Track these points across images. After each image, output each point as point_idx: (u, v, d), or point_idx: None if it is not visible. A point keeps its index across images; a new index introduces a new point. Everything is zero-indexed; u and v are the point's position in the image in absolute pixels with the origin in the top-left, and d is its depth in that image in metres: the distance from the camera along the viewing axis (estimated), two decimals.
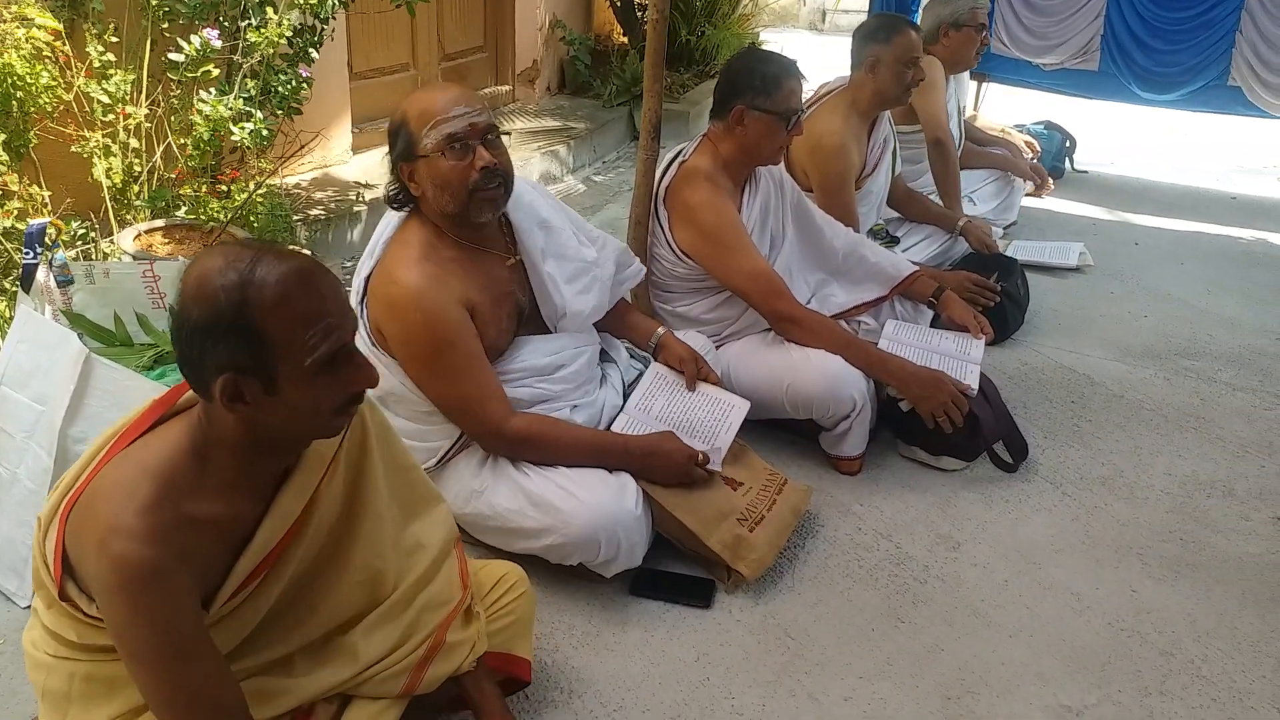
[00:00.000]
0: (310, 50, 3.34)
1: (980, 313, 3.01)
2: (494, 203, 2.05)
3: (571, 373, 2.25)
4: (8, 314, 2.63)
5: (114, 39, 2.99)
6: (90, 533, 1.24)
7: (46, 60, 2.80)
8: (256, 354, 1.23)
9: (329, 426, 1.36)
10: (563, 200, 2.70)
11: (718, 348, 2.75)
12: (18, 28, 2.70)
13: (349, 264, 3.82)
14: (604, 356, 2.46)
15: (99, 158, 2.98)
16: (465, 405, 2.07)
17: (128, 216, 3.13)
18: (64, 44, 2.87)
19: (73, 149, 2.96)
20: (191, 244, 3.02)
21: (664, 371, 2.50)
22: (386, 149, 2.05)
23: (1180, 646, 2.07)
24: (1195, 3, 5.20)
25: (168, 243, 3.03)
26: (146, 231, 3.04)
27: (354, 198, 4.03)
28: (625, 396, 2.40)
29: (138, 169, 3.14)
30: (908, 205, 3.84)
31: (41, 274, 2.36)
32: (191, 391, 1.36)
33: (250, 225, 3.19)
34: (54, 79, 2.81)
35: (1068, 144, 5.40)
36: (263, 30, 3.08)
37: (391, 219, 2.16)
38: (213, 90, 3.10)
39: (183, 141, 3.19)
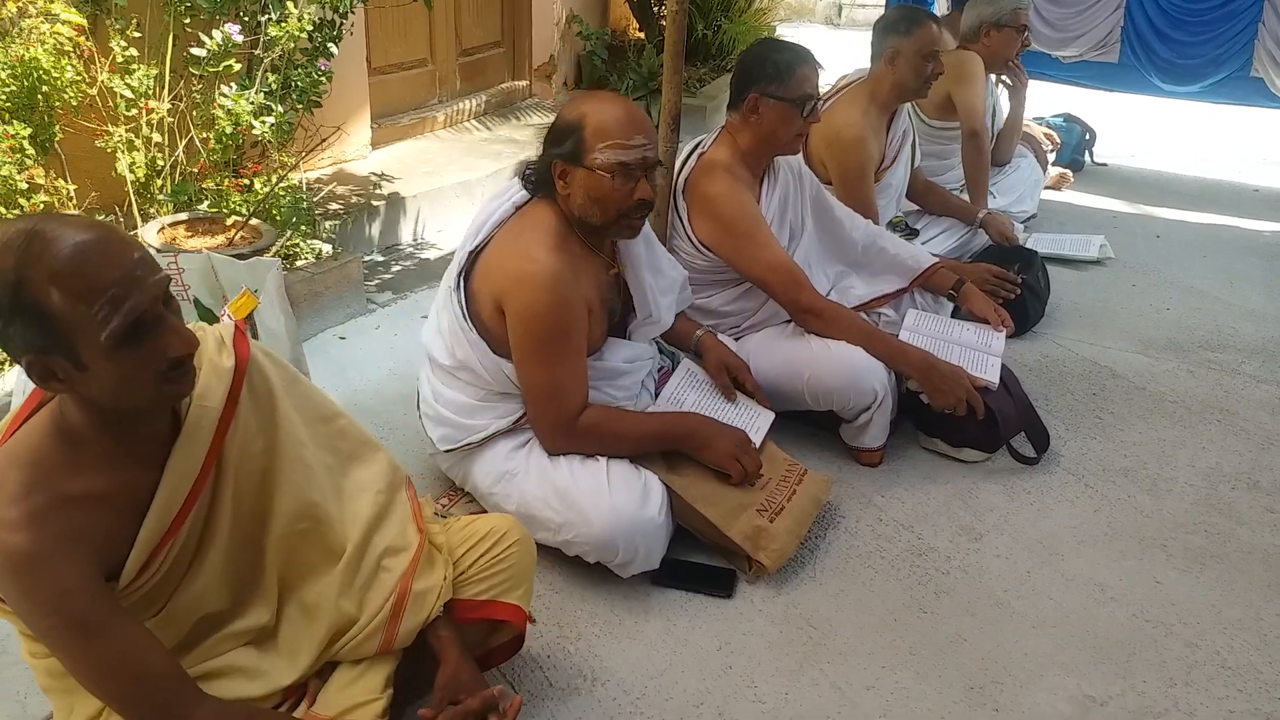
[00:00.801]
0: (330, 45, 3.35)
1: (1000, 305, 3.00)
2: (634, 230, 2.13)
3: (632, 381, 2.31)
4: None
5: (137, 34, 3.01)
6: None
7: (71, 55, 2.82)
8: (49, 334, 1.19)
9: (160, 396, 1.29)
10: None
11: (737, 339, 2.75)
12: (43, 22, 2.72)
13: (368, 257, 3.84)
14: None
15: (123, 152, 3.01)
16: (554, 392, 2.09)
17: (151, 210, 3.16)
18: (88, 39, 2.90)
19: (97, 143, 2.99)
20: (214, 237, 3.04)
21: (695, 367, 2.52)
22: (547, 137, 2.07)
23: (1205, 637, 2.06)
24: None
25: (191, 235, 3.05)
26: (170, 225, 3.06)
27: (373, 191, 4.05)
28: (655, 391, 2.42)
29: (160, 163, 3.16)
30: (927, 198, 3.83)
31: None
32: None
33: (272, 219, 3.21)
34: (79, 74, 2.84)
35: (1087, 137, 5.36)
36: (283, 25, 3.09)
37: (504, 201, 2.20)
38: (234, 85, 3.12)
39: (205, 135, 3.21)
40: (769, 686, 1.91)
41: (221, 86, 3.12)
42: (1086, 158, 5.39)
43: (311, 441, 1.56)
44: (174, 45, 3.12)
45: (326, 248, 3.38)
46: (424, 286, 3.64)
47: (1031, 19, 5.63)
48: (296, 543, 1.53)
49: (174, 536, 1.37)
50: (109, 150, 3.00)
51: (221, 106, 3.07)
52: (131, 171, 3.04)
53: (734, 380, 2.49)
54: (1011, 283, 3.19)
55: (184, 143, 3.21)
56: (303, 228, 3.28)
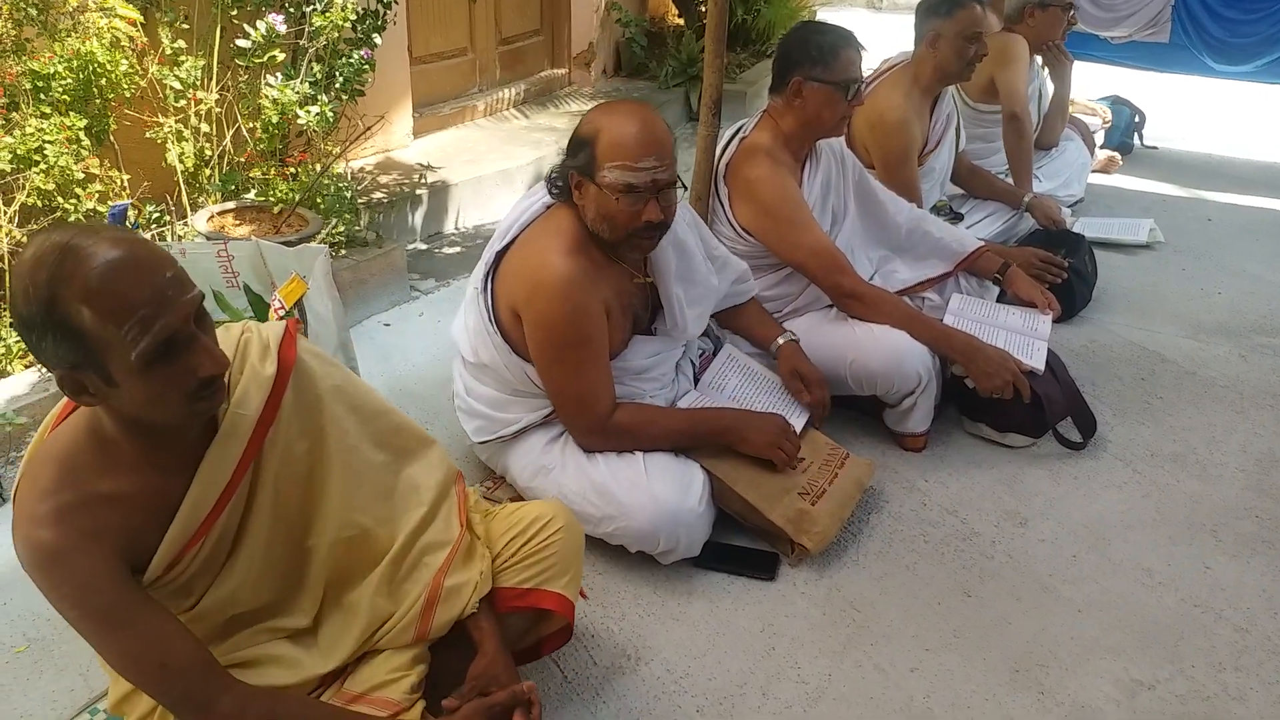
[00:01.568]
0: (373, 35, 3.39)
1: (1047, 290, 2.96)
2: (644, 250, 2.09)
3: (661, 373, 2.30)
4: None
5: (185, 26, 3.07)
6: (12, 522, 1.31)
7: (125, 48, 2.88)
8: (81, 351, 1.20)
9: (188, 413, 1.30)
10: None
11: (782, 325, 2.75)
12: (100, 17, 2.78)
13: (411, 245, 3.88)
14: None
15: (172, 142, 3.07)
16: (580, 396, 2.09)
17: (199, 199, 3.22)
18: (141, 33, 2.96)
19: (147, 134, 3.05)
20: (262, 224, 3.10)
21: (737, 354, 2.52)
22: (569, 145, 2.04)
23: (1256, 622, 2.03)
24: None
25: (239, 224, 3.11)
26: (219, 213, 3.12)
27: (416, 180, 4.09)
28: (695, 375, 2.43)
29: (209, 153, 3.22)
30: (972, 181, 3.78)
31: None
32: None
33: (317, 207, 3.26)
34: (132, 66, 2.90)
35: (1136, 119, 5.25)
36: (327, 15, 3.13)
37: (533, 202, 2.19)
38: (279, 75, 3.17)
39: (251, 125, 3.26)
40: (812, 668, 1.91)
41: (267, 77, 3.17)
42: (1136, 140, 5.28)
43: (364, 440, 1.56)
44: (221, 37, 3.17)
45: (371, 235, 3.42)
46: (465, 274, 3.67)
47: (1080, 0, 5.54)
48: (344, 550, 1.55)
49: (203, 538, 1.40)
50: (159, 141, 3.06)
51: (267, 97, 3.12)
52: (181, 161, 3.10)
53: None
54: (1058, 267, 3.15)
55: (231, 133, 3.27)
56: (347, 216, 3.33)
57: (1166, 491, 2.46)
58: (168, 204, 3.14)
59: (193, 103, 3.10)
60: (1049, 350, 2.66)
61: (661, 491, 2.05)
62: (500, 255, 2.16)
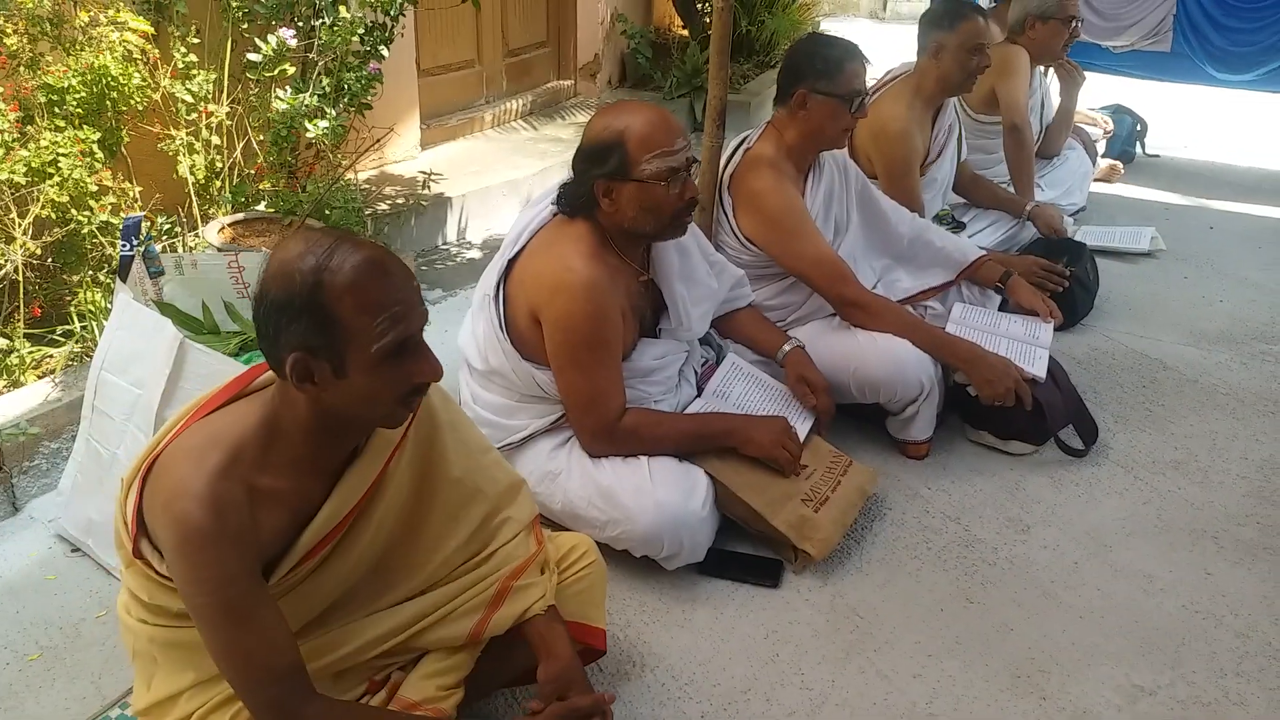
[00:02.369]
0: (381, 48, 3.43)
1: (1048, 298, 2.99)
2: (685, 228, 2.17)
3: (666, 376, 2.33)
4: (104, 304, 2.77)
5: (196, 40, 3.11)
6: (161, 493, 1.33)
7: (137, 61, 2.93)
8: (327, 336, 1.29)
9: (392, 415, 1.41)
10: None
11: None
12: (112, 31, 2.83)
13: (418, 256, 3.92)
14: None
15: (184, 154, 3.11)
16: (593, 397, 2.12)
17: (211, 211, 3.26)
18: (153, 46, 3.00)
19: (159, 146, 3.09)
20: (272, 236, 3.14)
21: (740, 362, 2.55)
22: (582, 158, 2.10)
23: (1256, 628, 2.05)
24: None
25: (249, 235, 3.14)
26: (230, 225, 3.16)
27: (422, 190, 4.13)
28: (699, 385, 2.46)
29: (219, 165, 3.26)
30: (974, 191, 3.81)
31: (136, 265, 2.48)
32: (268, 373, 1.44)
33: (326, 218, 3.30)
34: (144, 79, 2.94)
35: (1138, 128, 5.28)
36: (335, 29, 3.17)
37: (541, 210, 2.24)
38: (289, 88, 3.21)
39: (261, 138, 3.31)
40: (815, 674, 1.94)
41: (277, 90, 3.21)
42: (1138, 149, 5.31)
43: (466, 476, 1.62)
44: (231, 50, 3.21)
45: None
46: (472, 284, 3.70)
47: (1081, 9, 5.56)
48: (426, 575, 1.59)
49: (329, 544, 1.45)
50: (170, 153, 3.10)
51: (276, 109, 3.17)
52: (192, 173, 3.14)
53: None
54: (1060, 275, 3.17)
55: (241, 145, 3.31)
56: (356, 226, 3.37)
57: (1168, 498, 2.48)
58: (179, 216, 3.18)
59: (204, 115, 3.14)
60: (1050, 358, 2.68)
61: (665, 495, 2.07)
62: (511, 262, 2.20)
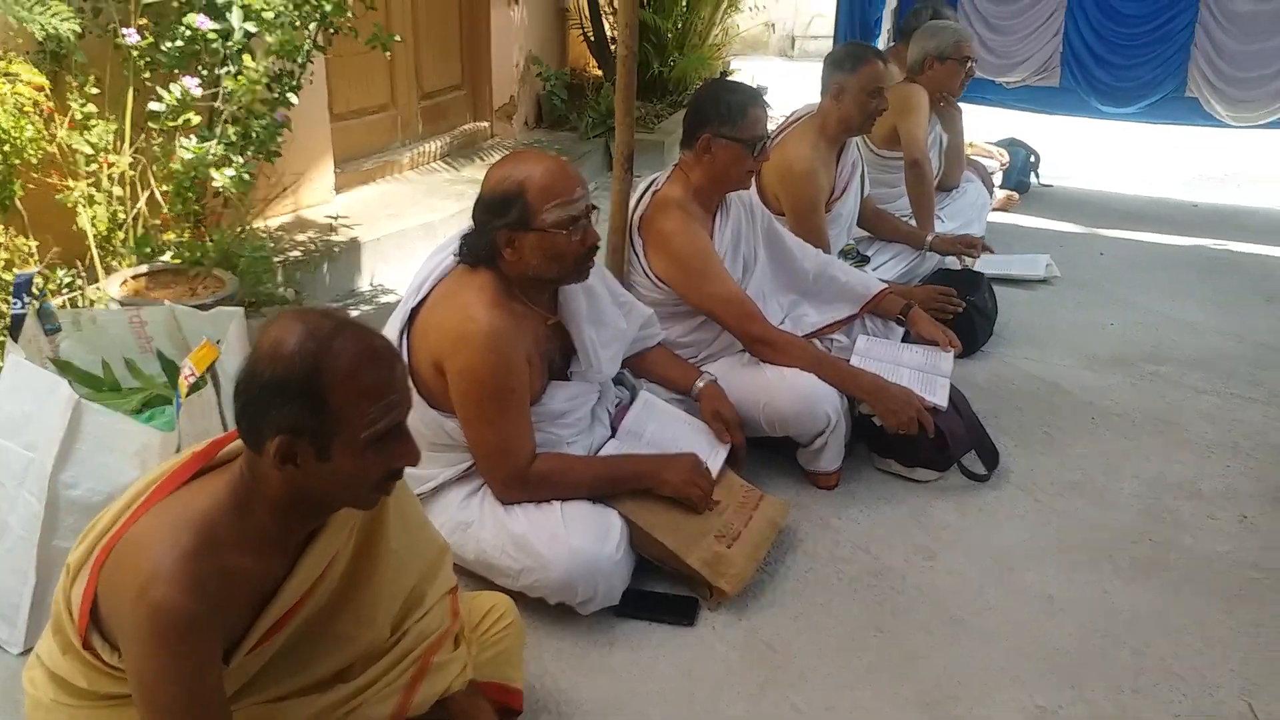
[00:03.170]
0: (289, 95, 3.41)
1: (949, 326, 3.11)
2: (588, 272, 2.20)
3: (578, 418, 2.35)
4: None
5: (95, 90, 3.06)
6: (128, 580, 1.27)
7: (31, 113, 2.86)
8: (318, 420, 1.29)
9: (366, 498, 1.42)
10: None
11: None
12: (3, 84, 2.76)
13: (332, 303, 3.88)
14: None
15: (84, 206, 3.04)
16: (502, 447, 2.13)
17: (114, 263, 3.19)
18: (48, 97, 2.94)
19: (58, 198, 3.02)
20: (177, 288, 3.08)
21: (653, 399, 2.59)
22: (483, 209, 2.12)
23: (1151, 645, 2.14)
24: (1150, 18, 5.38)
25: (154, 288, 3.08)
26: (133, 277, 3.09)
27: (335, 236, 4.10)
28: (613, 425, 2.48)
29: (122, 216, 3.19)
30: (877, 224, 3.94)
31: (29, 323, 2.41)
32: (231, 445, 1.42)
33: (235, 268, 3.25)
34: (39, 131, 2.88)
35: (1032, 159, 5.53)
36: (240, 78, 3.15)
37: (444, 258, 2.24)
38: (194, 137, 3.17)
39: (165, 188, 3.25)
40: (732, 711, 1.96)
41: (181, 139, 3.17)
42: (1032, 179, 5.55)
43: (403, 549, 1.61)
44: (134, 99, 3.16)
45: (290, 294, 3.42)
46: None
47: (975, 47, 5.82)
48: (353, 644, 1.56)
49: (287, 623, 1.42)
50: (69, 205, 3.03)
51: (181, 159, 3.12)
52: (93, 225, 3.07)
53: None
54: (955, 300, 3.29)
55: (145, 196, 3.25)
56: (265, 276, 3.32)
57: (1066, 519, 2.58)
58: (80, 269, 3.10)
59: (104, 166, 3.08)
60: (951, 386, 2.79)
61: (579, 541, 2.09)
62: (414, 311, 2.20)
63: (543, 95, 6.33)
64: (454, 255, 2.23)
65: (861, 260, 3.79)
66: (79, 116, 2.99)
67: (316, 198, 4.45)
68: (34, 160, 2.89)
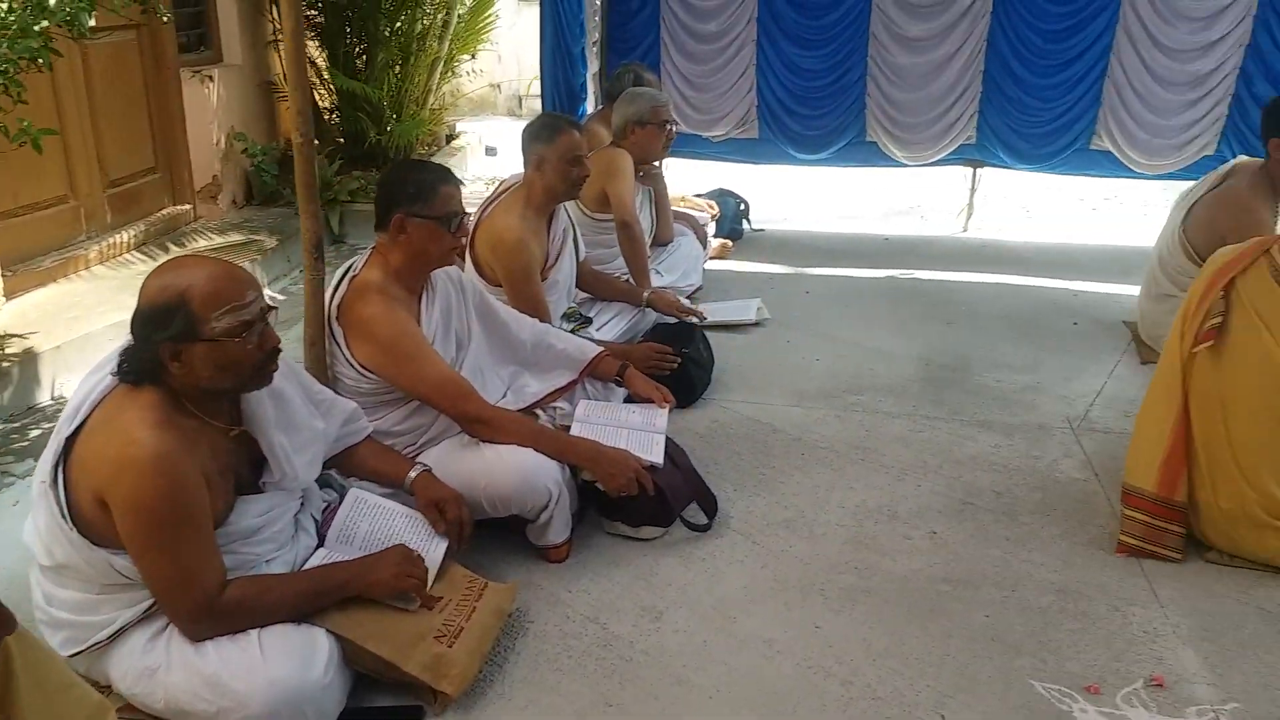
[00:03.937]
0: None
1: (667, 379, 3.22)
2: (271, 376, 2.10)
3: (276, 531, 2.19)
4: None
5: None
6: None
7: None
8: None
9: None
10: None
11: (415, 458, 2.73)
12: None
13: (12, 424, 3.46)
14: None
15: None
16: (183, 579, 1.94)
17: None
18: None
19: None
20: None
21: (363, 495, 2.47)
22: (141, 323, 1.96)
23: (858, 673, 2.27)
24: (827, 73, 5.92)
25: None
26: None
27: (9, 350, 3.67)
28: (320, 533, 2.35)
29: None
30: (596, 286, 4.03)
31: None
32: None
33: None
34: None
35: (742, 207, 5.89)
36: None
37: (102, 378, 2.02)
38: None
39: None
40: None
41: None
42: (745, 226, 5.91)
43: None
44: None
45: None
46: None
47: (680, 104, 6.16)
48: None
49: None
50: None
51: None
52: None
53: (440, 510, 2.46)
54: (670, 357, 3.42)
55: None
56: None
57: (781, 558, 2.71)
58: None
59: None
60: (669, 440, 2.87)
61: (279, 671, 1.93)
62: (70, 440, 1.98)
63: (251, 171, 6.04)
64: (113, 374, 2.03)
65: (584, 322, 3.86)
66: None
67: None
68: None
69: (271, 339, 2.04)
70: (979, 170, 6.06)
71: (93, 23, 3.49)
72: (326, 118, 6.81)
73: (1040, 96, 5.62)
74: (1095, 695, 2.18)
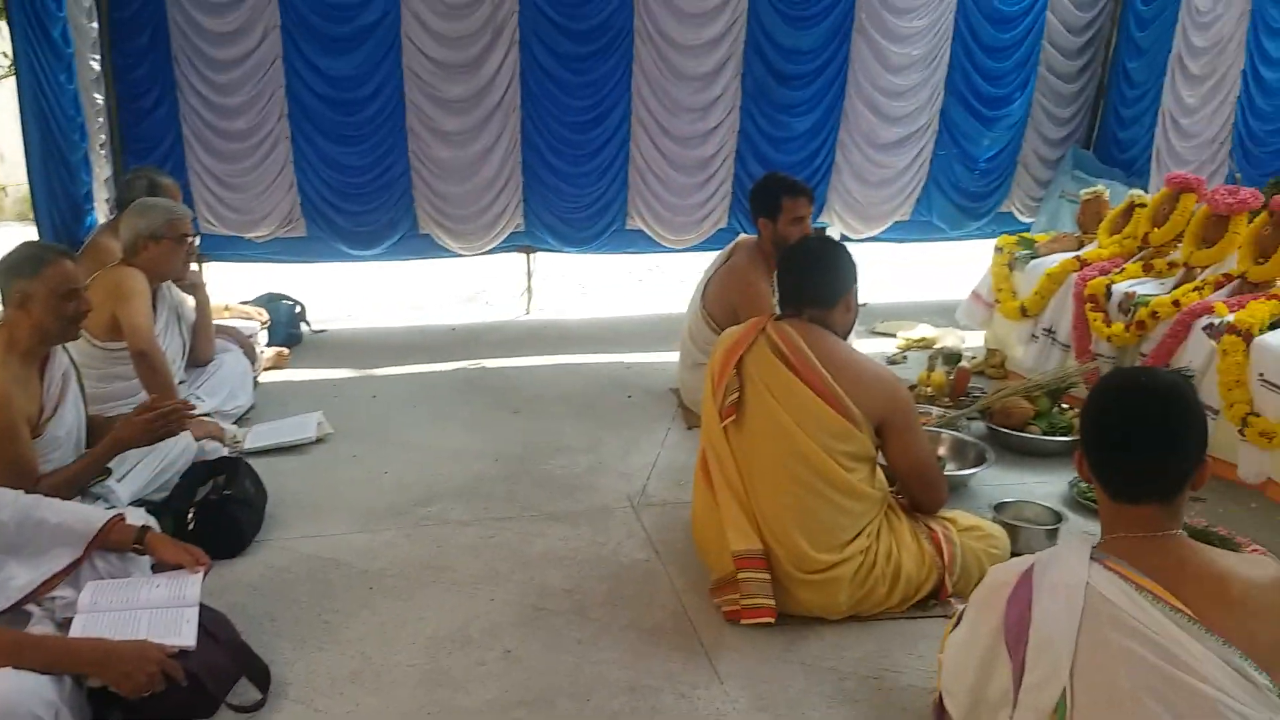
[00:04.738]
0: None
1: (209, 531, 2.85)
2: None
3: None
4: None
5: None
6: None
7: None
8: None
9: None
10: None
11: None
12: None
13: None
14: None
15: None
16: None
17: None
18: None
19: None
20: None
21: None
22: None
23: None
24: (368, 169, 5.86)
25: None
26: None
27: None
28: None
29: None
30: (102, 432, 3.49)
31: None
32: None
33: None
34: None
35: (298, 310, 5.56)
36: None
37: None
38: None
39: None
40: None
41: None
42: (303, 329, 5.58)
43: None
44: None
45: None
46: None
47: (214, 205, 5.71)
48: None
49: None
50: None
51: None
52: None
53: None
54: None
55: None
56: None
57: None
58: None
59: None
60: (205, 609, 2.51)
61: None
62: None
63: None
64: None
65: (103, 473, 3.32)
66: None
67: None
68: None
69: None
70: (533, 255, 6.29)
71: None
72: None
73: (575, 184, 6.00)
74: None
